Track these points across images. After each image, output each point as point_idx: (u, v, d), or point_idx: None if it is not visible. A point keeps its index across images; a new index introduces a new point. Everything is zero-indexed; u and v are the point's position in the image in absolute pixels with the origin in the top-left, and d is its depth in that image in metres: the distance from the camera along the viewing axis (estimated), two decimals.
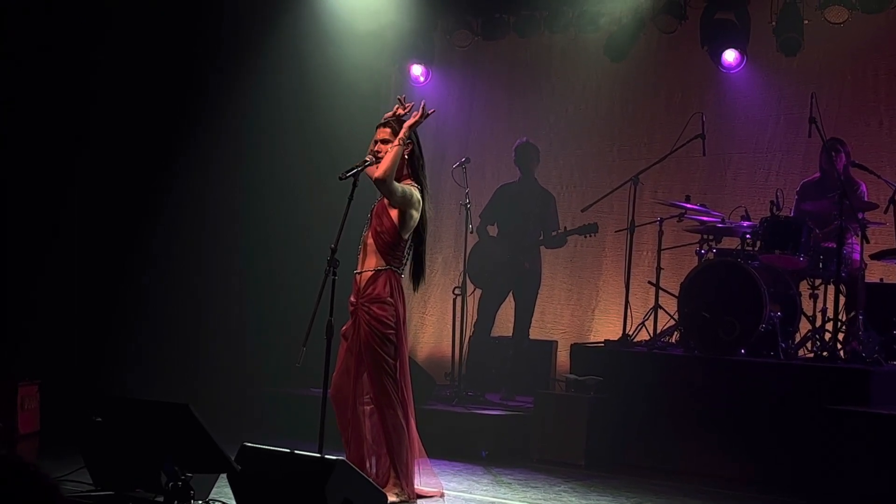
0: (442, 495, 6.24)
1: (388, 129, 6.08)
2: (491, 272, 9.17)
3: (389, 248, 6.01)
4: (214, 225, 9.76)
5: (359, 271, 6.07)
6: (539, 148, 9.42)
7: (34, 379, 8.01)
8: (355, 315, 6.05)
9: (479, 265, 9.15)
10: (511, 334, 9.33)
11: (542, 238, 9.20)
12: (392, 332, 5.98)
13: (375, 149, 6.04)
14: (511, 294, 9.28)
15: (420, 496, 6.12)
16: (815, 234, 8.02)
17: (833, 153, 8.19)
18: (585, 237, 9.26)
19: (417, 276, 6.18)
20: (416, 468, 6.12)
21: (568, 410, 8.03)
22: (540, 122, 10.67)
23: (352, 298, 6.08)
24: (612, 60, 10.12)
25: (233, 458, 5.24)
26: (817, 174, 8.54)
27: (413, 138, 6.09)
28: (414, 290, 6.27)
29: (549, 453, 7.99)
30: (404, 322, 6.11)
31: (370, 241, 6.07)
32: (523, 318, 9.23)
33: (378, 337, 5.95)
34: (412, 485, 6.06)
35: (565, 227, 9.14)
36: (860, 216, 7.82)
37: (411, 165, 6.10)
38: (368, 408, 6.04)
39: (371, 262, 6.03)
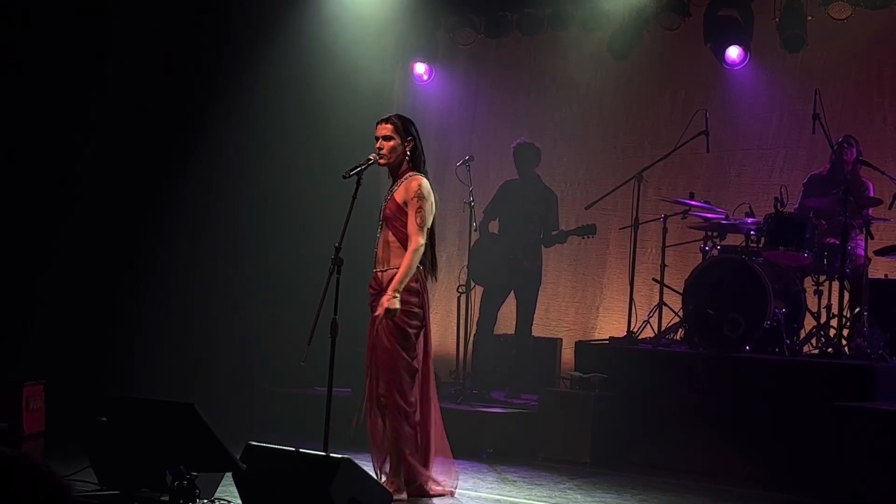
0: (452, 494, 6.24)
1: (389, 126, 6.13)
2: (491, 270, 9.16)
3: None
4: (218, 224, 9.75)
5: (383, 269, 6.06)
6: (539, 146, 9.38)
7: (39, 379, 8.00)
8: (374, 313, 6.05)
9: (479, 263, 9.14)
10: (514, 332, 9.33)
11: (542, 237, 9.19)
12: (417, 325, 6.02)
13: (377, 146, 6.11)
14: (513, 292, 9.27)
15: (430, 495, 6.12)
16: (821, 226, 8.01)
17: (846, 146, 8.21)
18: (583, 238, 9.26)
19: (432, 265, 6.18)
20: (432, 466, 6.13)
21: (573, 408, 8.03)
22: (543, 120, 10.66)
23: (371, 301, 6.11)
24: (615, 58, 10.11)
25: (238, 457, 5.25)
26: (825, 169, 8.52)
27: (414, 134, 6.14)
28: (434, 280, 6.27)
29: (554, 451, 7.99)
30: (428, 317, 6.14)
31: (391, 238, 6.05)
32: (525, 316, 9.21)
33: (399, 333, 5.95)
34: (419, 484, 6.06)
35: (561, 230, 9.14)
36: (866, 213, 7.82)
37: (413, 161, 6.14)
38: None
39: (398, 260, 6.01)
